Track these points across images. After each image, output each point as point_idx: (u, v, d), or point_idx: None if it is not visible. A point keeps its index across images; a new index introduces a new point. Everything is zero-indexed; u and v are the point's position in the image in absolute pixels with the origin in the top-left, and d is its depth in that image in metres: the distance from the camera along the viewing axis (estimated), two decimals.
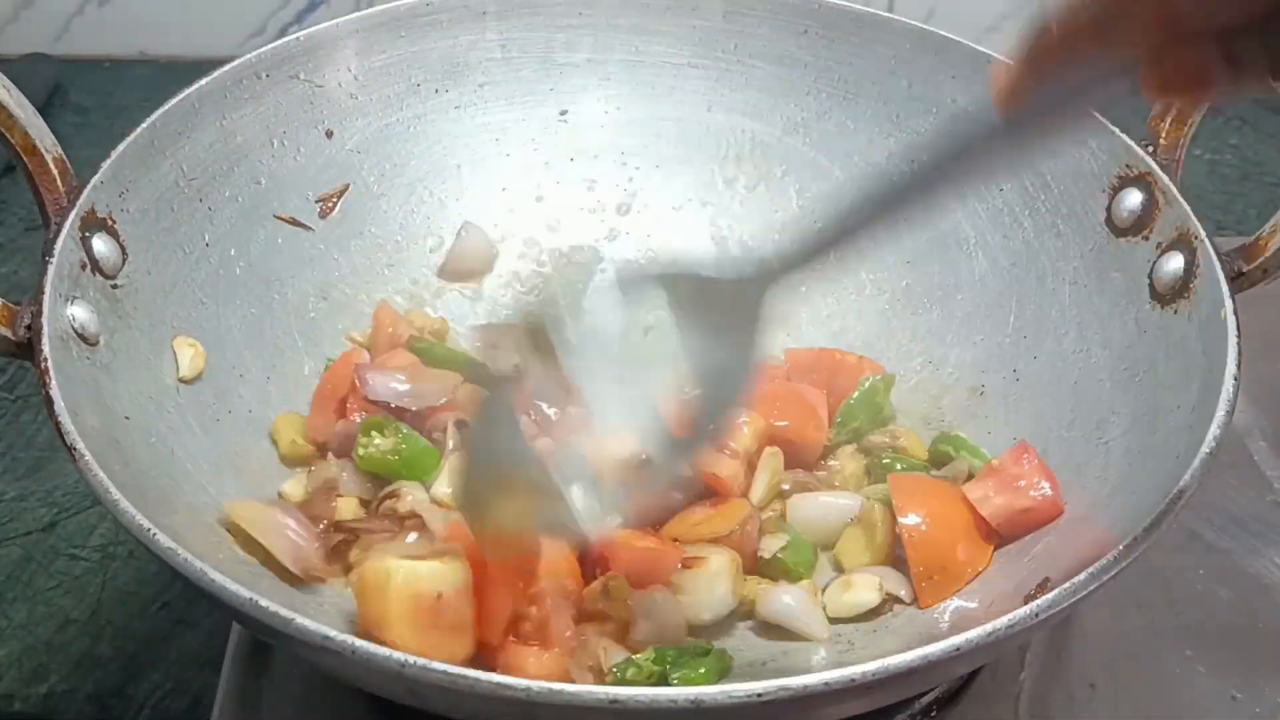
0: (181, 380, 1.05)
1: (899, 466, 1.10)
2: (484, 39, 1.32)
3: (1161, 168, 1.08)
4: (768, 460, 1.09)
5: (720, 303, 0.92)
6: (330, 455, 1.11)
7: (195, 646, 1.17)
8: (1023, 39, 0.69)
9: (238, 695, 1.05)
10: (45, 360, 0.89)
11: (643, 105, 1.36)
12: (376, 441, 1.07)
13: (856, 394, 1.15)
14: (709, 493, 1.06)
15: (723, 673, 0.94)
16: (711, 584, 1.00)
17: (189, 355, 1.07)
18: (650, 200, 1.36)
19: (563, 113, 1.35)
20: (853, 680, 0.72)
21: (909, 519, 1.01)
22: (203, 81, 1.14)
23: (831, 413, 1.15)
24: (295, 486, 1.08)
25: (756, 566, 1.04)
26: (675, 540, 1.03)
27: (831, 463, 1.12)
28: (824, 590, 1.01)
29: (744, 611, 1.02)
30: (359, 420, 1.09)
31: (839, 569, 1.05)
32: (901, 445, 1.13)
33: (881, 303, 1.27)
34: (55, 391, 0.88)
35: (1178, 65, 0.64)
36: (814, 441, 1.13)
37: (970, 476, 1.06)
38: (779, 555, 1.03)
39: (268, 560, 0.97)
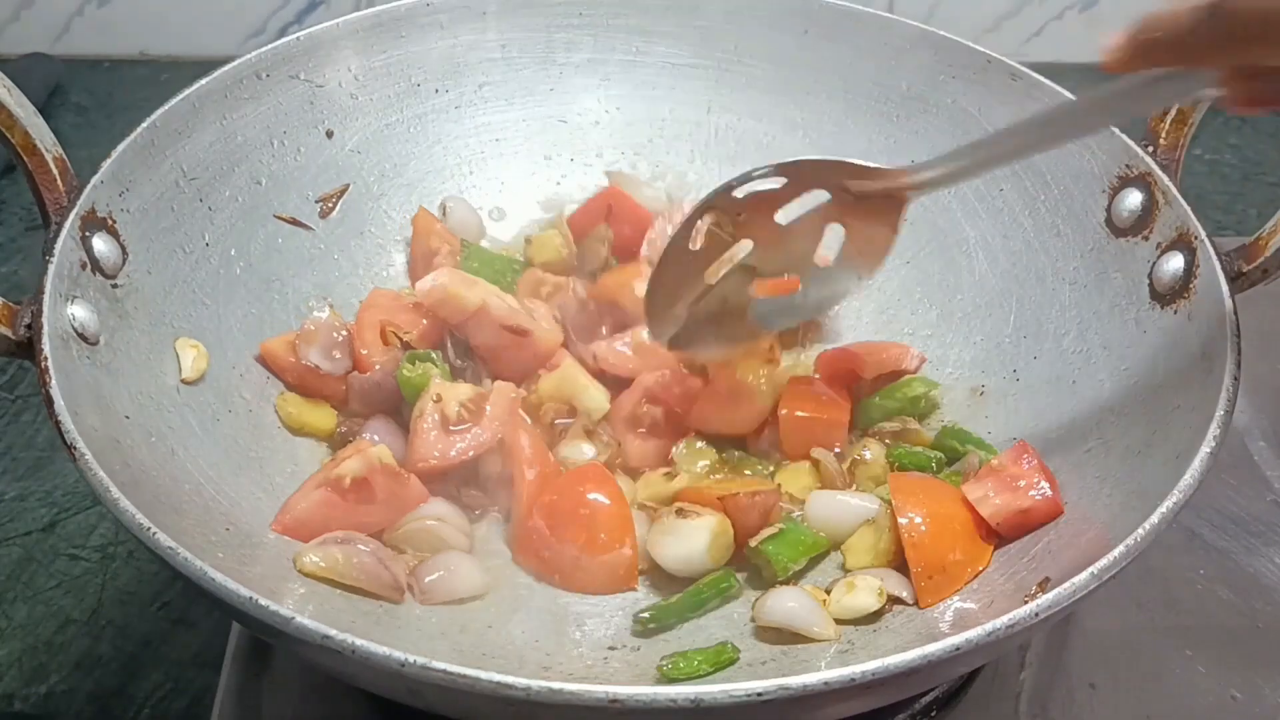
0: (184, 381, 1.06)
1: (906, 462, 1.11)
2: (484, 39, 1.32)
3: (1161, 168, 1.08)
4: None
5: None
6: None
7: (195, 646, 1.17)
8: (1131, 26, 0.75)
9: (238, 695, 1.05)
10: (45, 360, 0.89)
11: (643, 105, 1.36)
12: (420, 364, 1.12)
13: (898, 391, 1.17)
14: None
15: (721, 666, 0.94)
16: (691, 537, 1.03)
17: (191, 356, 1.07)
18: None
19: (563, 113, 1.35)
20: (853, 680, 0.72)
21: (909, 519, 1.01)
22: (203, 81, 1.14)
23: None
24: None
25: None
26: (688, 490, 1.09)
27: (865, 454, 1.12)
28: (828, 590, 1.01)
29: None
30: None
31: (844, 568, 1.05)
32: (911, 429, 1.14)
33: (881, 302, 1.27)
34: (55, 391, 0.88)
35: (1260, 87, 0.69)
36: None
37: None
38: (762, 545, 1.03)
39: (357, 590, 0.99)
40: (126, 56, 1.99)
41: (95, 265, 1.01)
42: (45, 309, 0.92)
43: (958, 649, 0.75)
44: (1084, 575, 0.79)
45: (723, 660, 0.94)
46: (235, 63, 1.17)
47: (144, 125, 1.09)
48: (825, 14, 1.30)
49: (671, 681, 0.92)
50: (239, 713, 1.04)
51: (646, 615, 1.00)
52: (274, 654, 1.07)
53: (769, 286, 1.15)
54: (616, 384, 1.17)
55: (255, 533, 0.99)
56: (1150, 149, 1.10)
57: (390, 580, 0.98)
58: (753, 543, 1.03)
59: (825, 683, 0.72)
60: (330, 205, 1.25)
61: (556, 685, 0.71)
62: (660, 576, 1.04)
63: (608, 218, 1.29)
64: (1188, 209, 1.04)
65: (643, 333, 1.16)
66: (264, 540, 1.00)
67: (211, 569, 0.77)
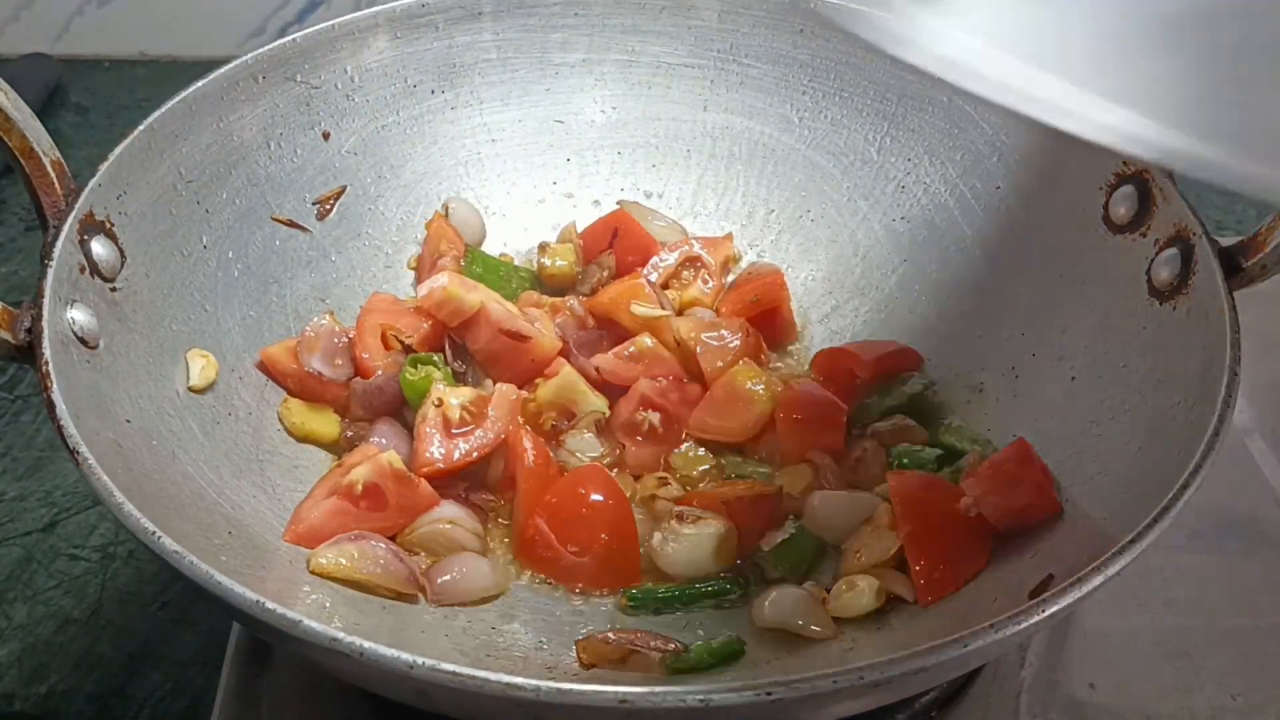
0: (191, 390, 1.06)
1: (905, 460, 1.11)
2: (480, 40, 1.32)
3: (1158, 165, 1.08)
4: None
5: None
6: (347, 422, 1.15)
7: (195, 646, 1.17)
8: None
9: (238, 695, 1.05)
10: (46, 364, 0.89)
11: (638, 105, 1.36)
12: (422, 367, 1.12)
13: (896, 389, 1.17)
14: None
15: (727, 659, 0.95)
16: (697, 543, 1.03)
17: (200, 365, 1.07)
18: (647, 200, 1.35)
19: (559, 113, 1.35)
20: (861, 678, 0.73)
21: (908, 517, 1.01)
22: (199, 84, 1.14)
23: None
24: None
25: (750, 549, 1.06)
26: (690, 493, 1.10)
27: (864, 453, 1.12)
28: (828, 589, 1.01)
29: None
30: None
31: (845, 567, 1.05)
32: (909, 428, 1.14)
33: (878, 301, 1.28)
34: (57, 396, 0.88)
35: None
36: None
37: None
38: (774, 551, 1.03)
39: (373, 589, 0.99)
40: (126, 57, 2.00)
41: (94, 269, 1.00)
42: (45, 313, 0.92)
43: (966, 646, 0.75)
44: (1090, 571, 0.80)
45: (728, 653, 0.95)
46: (231, 65, 1.17)
47: (141, 128, 1.08)
48: (821, 13, 1.30)
49: (676, 673, 0.92)
50: (239, 713, 1.04)
51: (635, 593, 1.02)
52: (274, 654, 1.07)
53: None
54: (615, 394, 1.17)
55: (258, 536, 0.99)
56: None
57: (406, 574, 0.98)
58: (765, 547, 1.04)
59: (834, 681, 0.72)
60: (327, 207, 1.25)
61: (565, 686, 0.71)
62: (663, 577, 1.04)
63: (612, 242, 1.29)
64: (1185, 205, 1.05)
65: (645, 340, 1.17)
66: (268, 544, 0.99)
67: (219, 574, 0.77)
